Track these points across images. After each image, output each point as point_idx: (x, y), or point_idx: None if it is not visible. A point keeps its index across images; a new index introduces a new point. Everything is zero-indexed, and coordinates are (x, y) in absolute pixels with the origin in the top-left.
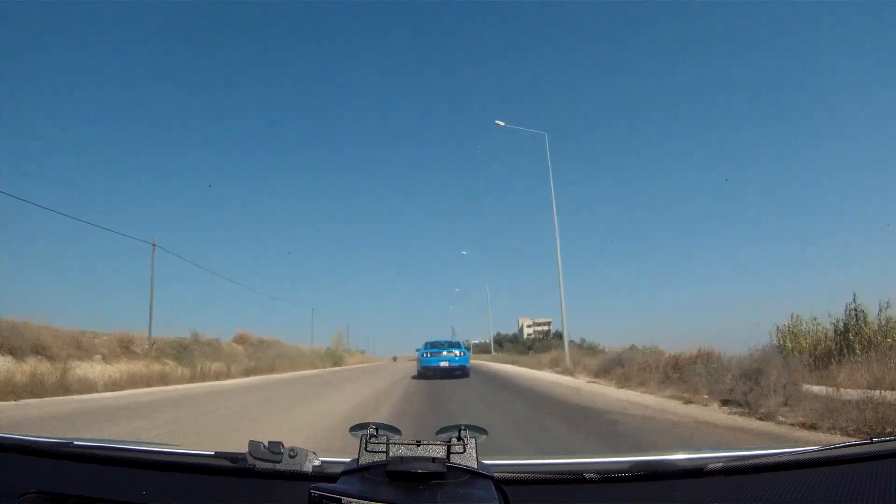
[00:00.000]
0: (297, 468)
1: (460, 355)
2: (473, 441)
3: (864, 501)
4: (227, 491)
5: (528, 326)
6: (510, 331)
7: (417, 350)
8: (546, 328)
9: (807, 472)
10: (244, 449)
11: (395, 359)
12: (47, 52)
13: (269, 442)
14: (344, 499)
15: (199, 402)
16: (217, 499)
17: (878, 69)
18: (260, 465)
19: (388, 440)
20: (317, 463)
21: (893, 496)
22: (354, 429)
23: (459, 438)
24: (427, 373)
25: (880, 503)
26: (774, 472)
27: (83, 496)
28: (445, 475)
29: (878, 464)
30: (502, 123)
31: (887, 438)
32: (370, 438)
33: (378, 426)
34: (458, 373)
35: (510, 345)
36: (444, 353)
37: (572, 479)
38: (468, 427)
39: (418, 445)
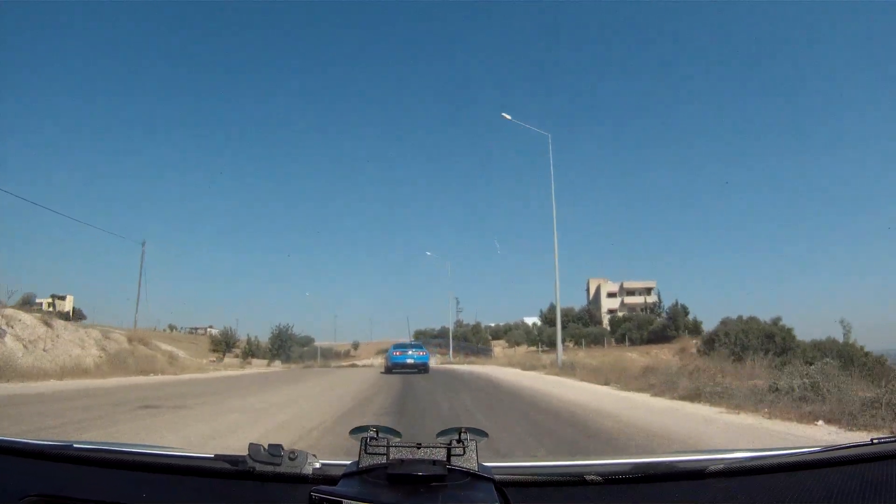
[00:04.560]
0: (297, 471)
1: (422, 354)
2: (474, 443)
3: (865, 502)
4: (227, 493)
5: (612, 296)
6: (576, 303)
7: (387, 351)
8: (649, 298)
9: (807, 474)
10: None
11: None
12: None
13: (270, 445)
14: (344, 501)
15: None
16: (217, 501)
17: None
18: (260, 467)
19: (388, 443)
20: (317, 465)
21: (894, 497)
22: (355, 431)
23: (460, 441)
24: (394, 369)
25: None
26: (775, 473)
27: (83, 499)
28: (446, 478)
29: (878, 464)
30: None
31: (887, 439)
32: (370, 441)
33: (378, 429)
34: (421, 368)
35: (582, 327)
36: (410, 352)
37: (573, 482)
38: (469, 429)
39: (419, 448)
